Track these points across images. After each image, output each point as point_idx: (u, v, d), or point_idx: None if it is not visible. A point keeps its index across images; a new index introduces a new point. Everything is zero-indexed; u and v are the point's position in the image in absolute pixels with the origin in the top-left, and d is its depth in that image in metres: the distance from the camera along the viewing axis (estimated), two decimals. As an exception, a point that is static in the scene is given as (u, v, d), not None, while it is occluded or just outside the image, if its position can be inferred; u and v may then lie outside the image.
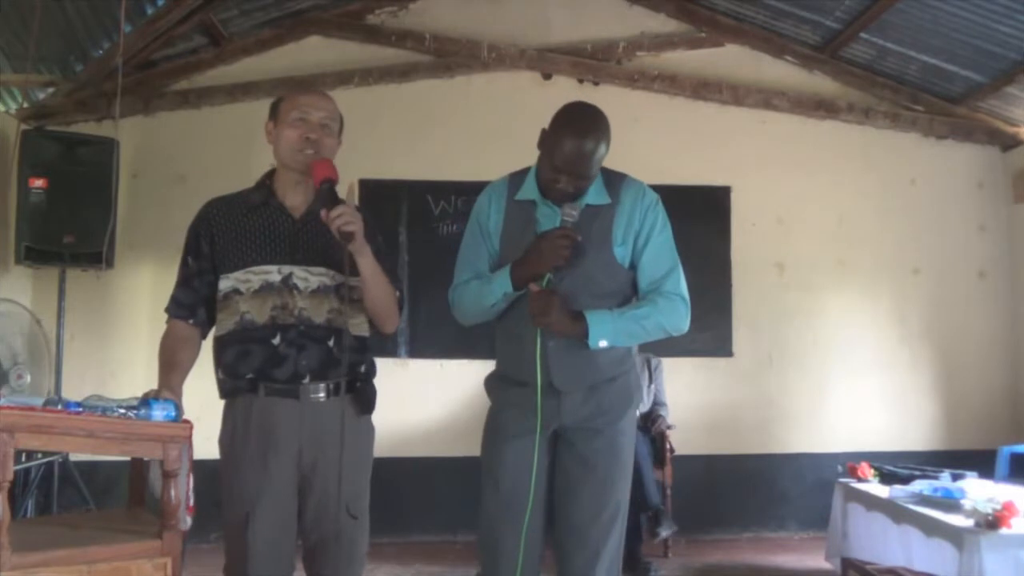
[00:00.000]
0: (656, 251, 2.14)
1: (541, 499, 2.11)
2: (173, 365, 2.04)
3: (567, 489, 2.11)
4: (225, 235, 2.07)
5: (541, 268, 2.03)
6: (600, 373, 2.11)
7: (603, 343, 2.03)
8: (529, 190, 2.14)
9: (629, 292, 2.16)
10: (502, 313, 2.15)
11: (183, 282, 2.10)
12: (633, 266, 2.14)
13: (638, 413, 4.59)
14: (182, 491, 2.11)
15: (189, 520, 2.15)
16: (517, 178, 2.19)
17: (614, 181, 2.15)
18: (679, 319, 2.14)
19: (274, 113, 2.14)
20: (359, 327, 2.12)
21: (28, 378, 3.91)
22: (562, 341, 2.06)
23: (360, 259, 2.00)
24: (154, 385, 2.02)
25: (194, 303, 2.09)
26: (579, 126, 2.02)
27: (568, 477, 2.12)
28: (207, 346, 2.15)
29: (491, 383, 2.26)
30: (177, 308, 2.10)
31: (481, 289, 2.12)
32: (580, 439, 2.11)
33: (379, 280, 2.06)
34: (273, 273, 2.02)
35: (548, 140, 2.06)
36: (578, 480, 2.10)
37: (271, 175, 2.16)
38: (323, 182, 2.00)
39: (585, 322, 2.02)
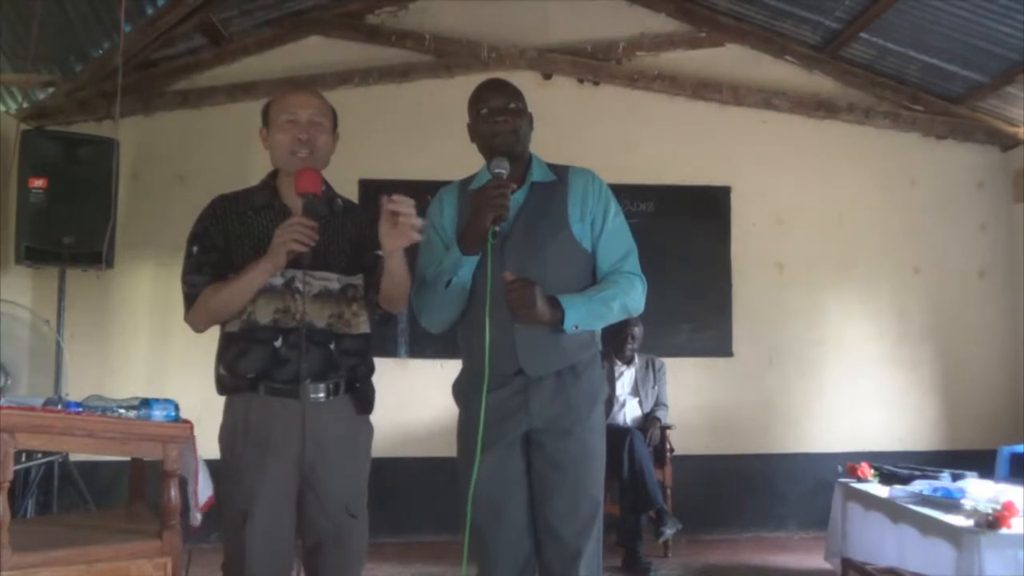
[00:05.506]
0: (613, 233, 2.16)
1: (521, 502, 2.11)
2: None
3: (541, 492, 2.11)
4: (234, 234, 2.07)
5: (482, 222, 2.01)
6: (567, 357, 2.11)
7: (575, 327, 2.04)
8: (481, 180, 2.15)
9: (590, 279, 2.16)
10: (464, 311, 2.13)
11: (195, 269, 2.06)
12: (593, 251, 2.15)
13: (640, 413, 4.63)
14: (189, 489, 2.12)
15: (199, 516, 2.16)
16: (468, 179, 2.23)
17: (558, 167, 2.22)
18: (639, 299, 2.17)
19: (265, 118, 2.13)
20: (360, 325, 2.12)
21: (27, 378, 3.92)
22: (530, 326, 2.04)
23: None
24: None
25: (210, 281, 2.05)
26: (484, 81, 2.24)
27: (542, 479, 2.11)
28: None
29: (459, 391, 2.22)
30: (195, 287, 2.05)
31: (436, 274, 2.10)
32: (549, 441, 2.10)
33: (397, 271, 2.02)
34: (276, 276, 2.01)
35: (472, 113, 2.18)
36: (552, 482, 2.10)
37: (275, 175, 2.15)
38: (302, 195, 2.00)
39: (560, 307, 2.02)
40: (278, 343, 2.01)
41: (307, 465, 2.01)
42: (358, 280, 2.10)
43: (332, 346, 2.05)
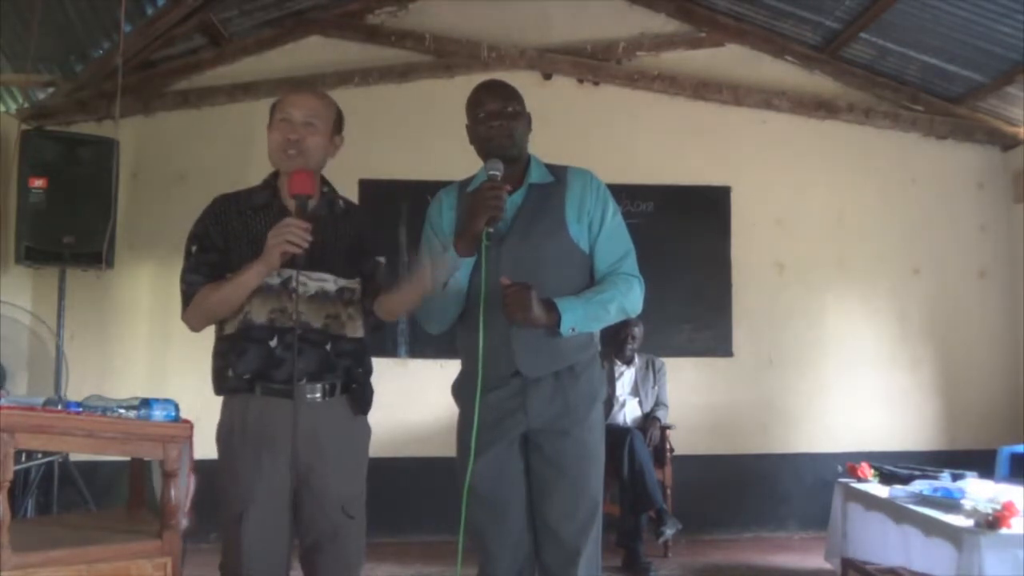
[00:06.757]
0: (611, 234, 2.16)
1: (520, 502, 2.11)
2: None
3: (540, 492, 2.11)
4: (233, 234, 2.07)
5: (476, 224, 2.02)
6: (565, 358, 2.10)
7: (572, 329, 2.04)
8: (478, 181, 2.15)
9: (588, 281, 2.16)
10: (462, 312, 2.13)
11: (193, 269, 2.07)
12: (590, 252, 2.15)
13: (640, 413, 4.63)
14: (182, 491, 2.11)
15: (185, 521, 2.15)
16: (468, 180, 2.23)
17: (556, 168, 2.22)
18: (636, 300, 2.17)
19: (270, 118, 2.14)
20: (356, 329, 2.12)
21: (27, 378, 3.92)
22: (527, 328, 2.04)
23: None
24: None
25: (207, 281, 2.06)
26: (481, 83, 2.24)
27: (540, 480, 2.11)
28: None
29: (458, 391, 2.22)
30: (192, 286, 2.06)
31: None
32: (547, 442, 2.10)
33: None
34: (272, 276, 2.01)
35: (470, 116, 2.18)
36: (550, 482, 2.10)
37: (276, 175, 2.15)
38: (295, 197, 2.00)
39: (557, 310, 2.02)
40: (273, 343, 2.01)
41: (304, 466, 2.01)
42: (355, 284, 2.10)
43: (328, 347, 2.05)
